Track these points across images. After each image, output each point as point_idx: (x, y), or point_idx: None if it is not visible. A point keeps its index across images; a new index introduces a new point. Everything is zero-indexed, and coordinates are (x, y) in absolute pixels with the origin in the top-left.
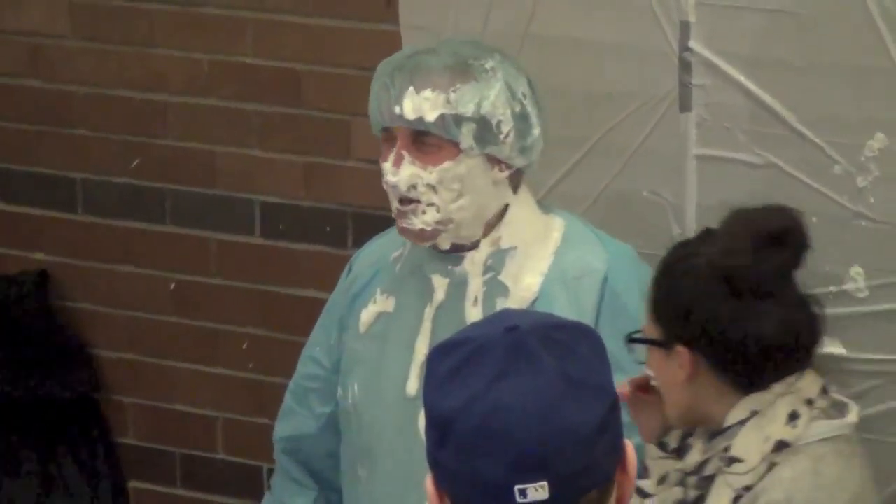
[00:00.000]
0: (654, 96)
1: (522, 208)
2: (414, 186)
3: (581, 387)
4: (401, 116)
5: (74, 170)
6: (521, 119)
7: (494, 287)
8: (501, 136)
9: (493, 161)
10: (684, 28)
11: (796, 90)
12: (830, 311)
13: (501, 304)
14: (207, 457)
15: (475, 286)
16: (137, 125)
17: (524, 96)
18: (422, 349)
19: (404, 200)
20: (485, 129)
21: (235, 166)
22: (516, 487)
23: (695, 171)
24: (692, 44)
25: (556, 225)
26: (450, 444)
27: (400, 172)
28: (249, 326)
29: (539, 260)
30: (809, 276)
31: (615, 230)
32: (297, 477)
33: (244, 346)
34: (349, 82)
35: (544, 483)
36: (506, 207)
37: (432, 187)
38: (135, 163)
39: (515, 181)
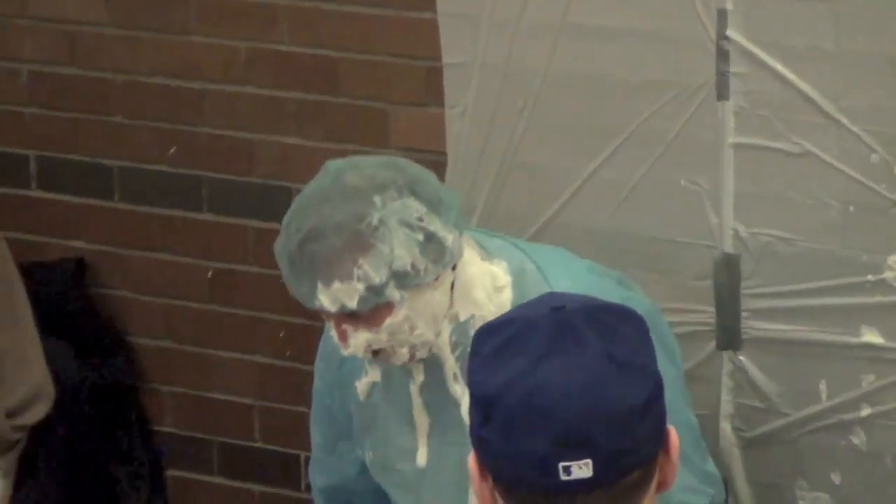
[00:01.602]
0: (691, 85)
1: (467, 272)
2: (370, 346)
3: (626, 367)
4: (323, 308)
5: (111, 157)
6: (430, 242)
7: (467, 359)
8: (422, 272)
9: (426, 284)
10: (721, 16)
11: (834, 78)
12: (868, 300)
13: None
14: (245, 445)
15: (450, 365)
16: (174, 113)
17: (420, 219)
18: (423, 421)
19: (372, 354)
20: (405, 278)
21: (272, 154)
22: (560, 465)
23: (732, 159)
24: (729, 32)
25: (503, 275)
26: (494, 422)
27: (350, 345)
28: (287, 315)
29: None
30: (847, 266)
31: (652, 219)
32: None
33: (281, 335)
34: (386, 70)
35: (588, 461)
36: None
37: (387, 340)
38: (171, 150)
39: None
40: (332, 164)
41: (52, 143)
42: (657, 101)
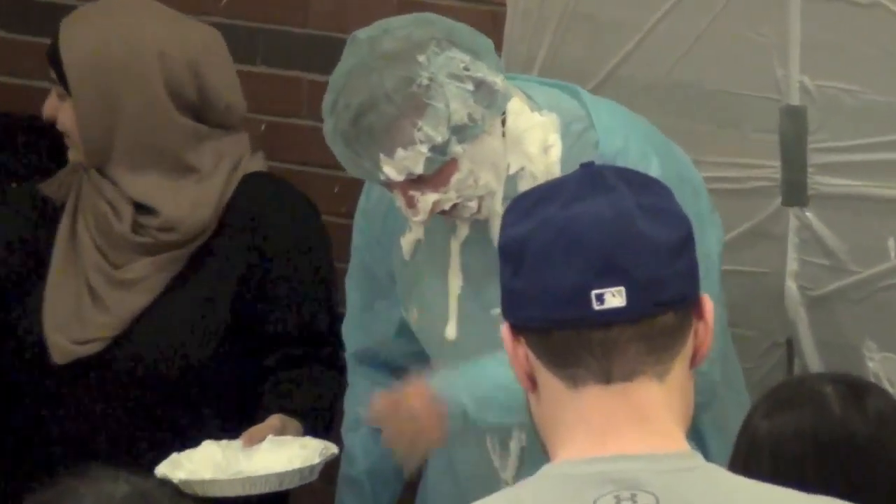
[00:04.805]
0: None
1: (517, 123)
2: (439, 205)
3: (657, 211)
4: (390, 178)
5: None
6: (480, 88)
7: None
8: (479, 121)
9: (484, 133)
10: None
11: None
12: None
13: None
14: None
15: (497, 222)
16: None
17: (466, 68)
18: (455, 283)
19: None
20: (464, 131)
21: (327, 5)
22: (593, 292)
23: (799, 9)
24: None
25: (552, 126)
26: (525, 265)
27: (420, 210)
28: (340, 170)
29: (547, 174)
30: None
31: (715, 72)
32: (376, 380)
33: (336, 190)
34: None
35: (621, 288)
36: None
37: (456, 198)
38: (224, 0)
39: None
40: (361, 34)
41: None
42: None
